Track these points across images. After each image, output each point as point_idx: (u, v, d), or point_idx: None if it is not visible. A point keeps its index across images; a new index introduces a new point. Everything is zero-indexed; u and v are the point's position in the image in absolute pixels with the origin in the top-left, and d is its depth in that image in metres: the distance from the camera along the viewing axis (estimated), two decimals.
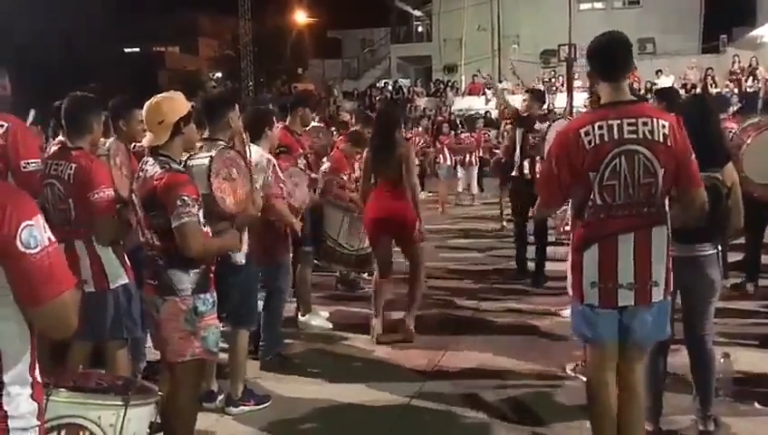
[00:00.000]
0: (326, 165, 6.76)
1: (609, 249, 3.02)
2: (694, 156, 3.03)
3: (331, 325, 6.09)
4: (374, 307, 5.53)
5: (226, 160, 3.75)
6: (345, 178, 6.85)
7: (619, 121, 2.97)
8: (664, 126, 2.95)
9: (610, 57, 3.09)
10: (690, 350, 3.79)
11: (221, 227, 3.63)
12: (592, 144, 2.98)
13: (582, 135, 3.00)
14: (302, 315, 6.01)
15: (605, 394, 3.17)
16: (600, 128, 2.98)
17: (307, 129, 7.10)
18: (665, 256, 3.03)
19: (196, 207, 3.18)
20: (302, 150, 5.82)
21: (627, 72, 3.10)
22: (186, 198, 3.13)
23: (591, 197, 3.02)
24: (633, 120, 2.96)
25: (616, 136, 2.96)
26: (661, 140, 2.94)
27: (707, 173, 3.42)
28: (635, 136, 2.95)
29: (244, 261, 4.16)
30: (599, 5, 28.33)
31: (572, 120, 3.38)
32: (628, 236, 3.00)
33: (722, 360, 4.10)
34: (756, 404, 4.11)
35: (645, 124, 2.95)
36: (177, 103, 3.34)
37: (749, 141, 5.07)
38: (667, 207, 3.04)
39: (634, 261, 3.00)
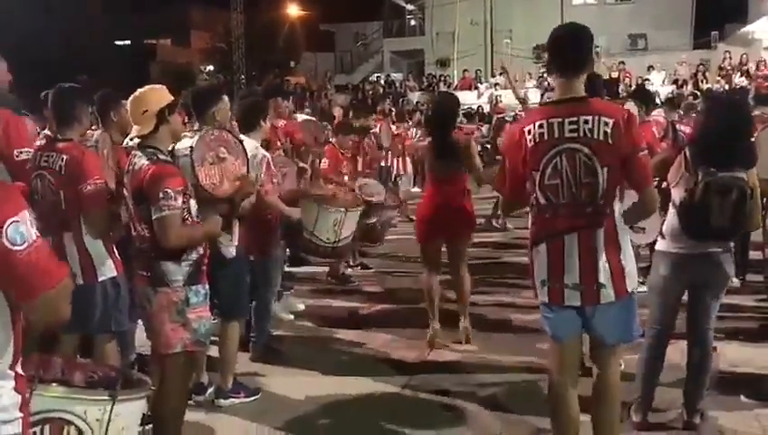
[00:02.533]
0: (324, 163, 6.76)
1: (556, 249, 2.99)
2: (645, 153, 2.96)
3: (302, 307, 6.17)
4: (429, 310, 5.28)
5: (210, 143, 3.71)
6: (344, 169, 6.89)
7: (560, 120, 2.93)
8: (606, 123, 2.88)
9: (563, 52, 3.02)
10: (691, 344, 3.80)
11: (221, 211, 3.64)
12: (532, 143, 2.98)
13: (526, 133, 3.00)
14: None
15: (563, 395, 3.13)
16: (541, 126, 2.96)
17: (298, 120, 7.14)
18: (609, 258, 2.95)
19: (181, 199, 3.18)
20: (280, 143, 5.74)
21: (581, 68, 3.00)
22: (169, 190, 3.14)
23: (535, 196, 3.02)
24: (575, 119, 2.91)
25: (556, 135, 2.93)
26: (602, 138, 2.88)
27: (732, 174, 3.45)
28: (575, 135, 2.90)
29: (234, 254, 4.16)
30: (591, 1, 28.37)
31: (522, 118, 3.34)
32: (573, 236, 2.96)
33: None
34: (742, 397, 4.14)
35: (586, 122, 2.89)
36: (160, 93, 3.37)
37: (755, 135, 5.07)
38: (616, 208, 2.98)
39: (579, 261, 2.96)
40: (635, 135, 2.93)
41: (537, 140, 2.97)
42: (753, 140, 3.82)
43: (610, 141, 2.87)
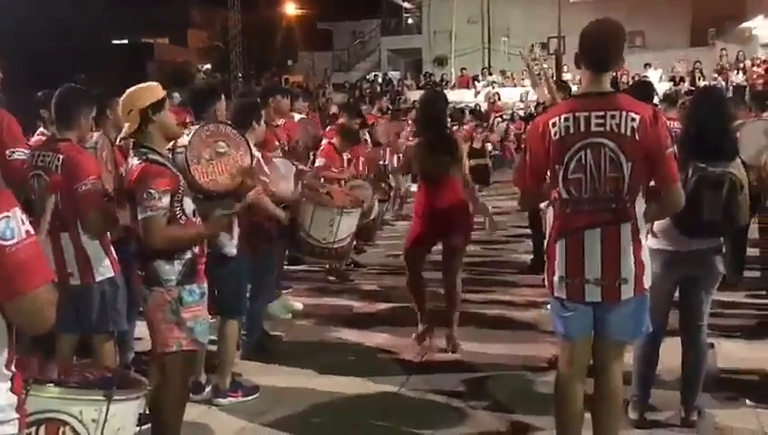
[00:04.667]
0: (319, 161, 6.74)
1: (576, 244, 2.97)
2: (671, 151, 2.95)
3: (300, 306, 6.14)
4: (419, 311, 5.26)
5: (207, 139, 3.66)
6: (336, 171, 6.86)
7: (586, 114, 2.91)
8: (633, 119, 2.87)
9: (596, 46, 3.00)
10: (685, 340, 3.81)
11: (226, 208, 3.63)
12: (557, 136, 2.95)
13: (550, 126, 2.97)
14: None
15: (570, 393, 3.13)
16: (567, 120, 2.93)
17: (295, 119, 7.11)
18: (633, 253, 2.94)
19: (167, 199, 3.16)
20: (278, 143, 5.67)
21: (611, 64, 2.99)
22: (152, 190, 3.12)
23: (558, 190, 3.00)
24: (602, 113, 2.90)
25: (582, 128, 2.91)
26: (628, 133, 2.86)
27: (722, 168, 3.46)
28: (602, 129, 2.89)
29: (234, 252, 4.15)
30: None
31: (547, 111, 3.32)
32: (595, 232, 2.94)
33: None
34: (740, 395, 4.15)
35: (613, 117, 2.88)
36: (145, 91, 3.33)
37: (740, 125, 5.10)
38: (637, 204, 2.97)
39: (601, 257, 2.94)
40: (661, 132, 2.92)
41: (563, 133, 2.94)
42: (731, 130, 3.82)
43: (637, 137, 2.86)
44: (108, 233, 3.78)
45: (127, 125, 3.33)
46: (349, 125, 7.45)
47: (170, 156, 3.48)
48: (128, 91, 3.35)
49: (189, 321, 3.30)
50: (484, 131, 14.81)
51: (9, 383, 1.80)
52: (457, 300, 5.21)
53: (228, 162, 3.69)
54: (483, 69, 25.91)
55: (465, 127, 14.21)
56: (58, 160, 3.63)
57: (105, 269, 3.71)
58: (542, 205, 4.64)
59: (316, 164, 6.63)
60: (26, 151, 4.00)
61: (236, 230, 4.18)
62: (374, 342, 5.41)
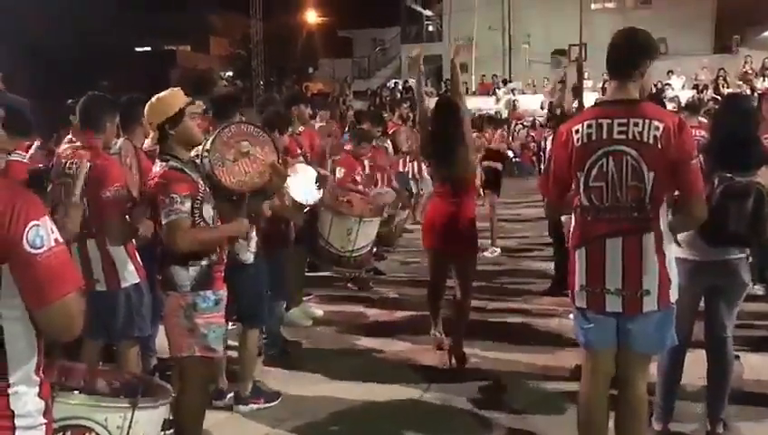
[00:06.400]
0: (339, 172, 6.75)
1: (597, 253, 2.94)
2: (695, 161, 2.91)
3: (320, 313, 6.16)
4: (432, 315, 5.29)
5: (229, 140, 3.66)
6: (358, 177, 6.89)
7: (609, 121, 2.89)
8: (657, 128, 2.83)
9: (618, 54, 3.00)
10: (710, 352, 3.76)
11: (252, 208, 3.65)
12: (580, 142, 2.93)
13: (573, 133, 2.96)
14: (286, 310, 5.96)
15: (594, 404, 3.10)
16: (590, 127, 2.92)
17: (316, 127, 7.16)
18: (657, 265, 2.89)
19: (189, 203, 3.20)
20: (299, 150, 5.71)
21: (631, 71, 2.95)
22: (174, 195, 3.17)
23: (579, 197, 2.98)
24: (624, 121, 2.87)
25: (604, 136, 2.89)
26: (651, 141, 2.83)
27: (749, 178, 3.42)
28: (624, 137, 2.86)
29: (252, 259, 4.16)
30: (610, 5, 28.15)
31: (574, 118, 3.30)
32: (617, 241, 2.90)
33: None
34: (766, 407, 4.09)
35: (636, 125, 2.86)
36: (164, 104, 3.34)
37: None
38: (661, 214, 2.92)
39: (622, 267, 2.90)
40: (686, 142, 2.87)
41: (585, 140, 2.93)
42: (757, 138, 3.75)
43: (659, 146, 2.83)
44: (132, 239, 3.82)
45: (151, 135, 3.38)
46: (361, 129, 7.49)
47: (197, 162, 3.50)
48: (149, 102, 3.38)
49: (202, 327, 3.32)
50: (501, 132, 14.68)
51: (37, 389, 1.82)
52: (467, 310, 5.12)
53: (254, 161, 3.68)
54: (493, 76, 25.87)
55: (486, 134, 14.11)
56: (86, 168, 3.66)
57: (131, 275, 3.75)
58: (563, 218, 4.60)
59: (336, 175, 6.64)
60: (23, 154, 4.04)
61: (254, 238, 4.19)
62: (395, 348, 5.40)
